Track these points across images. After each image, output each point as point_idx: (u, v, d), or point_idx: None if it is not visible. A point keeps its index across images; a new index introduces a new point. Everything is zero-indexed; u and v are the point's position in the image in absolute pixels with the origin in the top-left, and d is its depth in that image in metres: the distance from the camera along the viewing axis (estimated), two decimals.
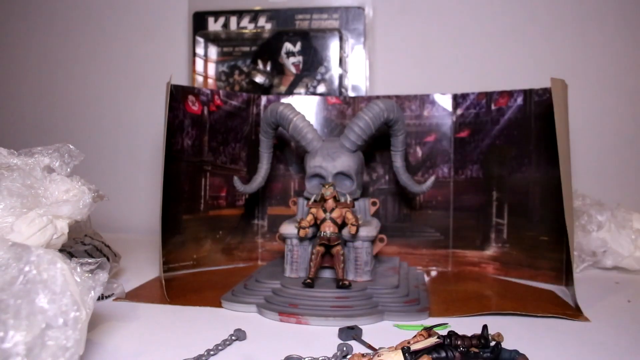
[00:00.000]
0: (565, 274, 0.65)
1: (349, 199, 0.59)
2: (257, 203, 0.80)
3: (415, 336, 0.39)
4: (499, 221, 0.73)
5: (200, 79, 0.96)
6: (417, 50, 0.98)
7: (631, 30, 0.93)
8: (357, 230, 0.57)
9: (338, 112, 0.78)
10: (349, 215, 0.57)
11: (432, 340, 0.37)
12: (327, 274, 0.60)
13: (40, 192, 0.45)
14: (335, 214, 0.57)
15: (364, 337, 0.45)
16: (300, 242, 0.61)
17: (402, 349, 0.36)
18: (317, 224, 0.58)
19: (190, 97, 0.72)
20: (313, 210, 0.58)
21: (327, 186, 0.58)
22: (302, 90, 0.94)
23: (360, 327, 0.47)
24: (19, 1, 1.12)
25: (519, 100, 0.71)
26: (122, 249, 0.71)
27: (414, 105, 0.77)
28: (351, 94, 0.94)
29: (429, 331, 0.39)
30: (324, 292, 0.55)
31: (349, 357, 0.39)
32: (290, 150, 0.79)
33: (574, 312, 0.53)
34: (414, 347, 0.36)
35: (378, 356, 0.37)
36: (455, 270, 0.74)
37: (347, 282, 0.56)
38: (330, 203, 0.57)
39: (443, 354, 0.37)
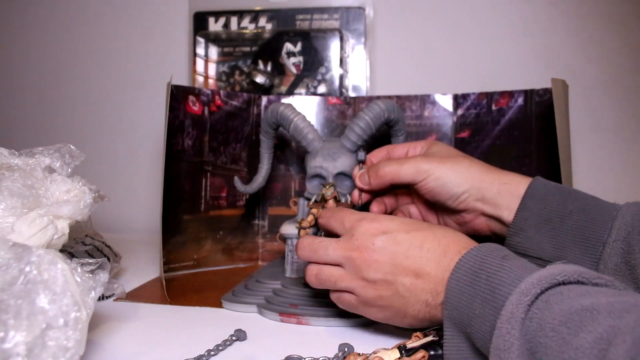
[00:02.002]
0: None
1: (349, 199, 0.59)
2: (258, 203, 0.80)
3: (411, 338, 0.39)
4: None
5: (200, 79, 0.97)
6: (417, 50, 0.98)
7: (631, 30, 0.92)
8: None
9: (338, 113, 0.78)
10: None
11: (428, 339, 0.38)
12: None
13: (41, 193, 0.45)
14: None
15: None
16: None
17: (399, 346, 0.37)
18: (317, 225, 0.58)
19: (191, 98, 0.72)
20: (314, 210, 0.58)
21: (327, 186, 0.58)
22: (303, 91, 0.94)
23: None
24: (19, 1, 1.12)
25: (520, 100, 0.71)
26: (123, 249, 0.71)
27: (414, 105, 0.77)
28: (352, 94, 0.94)
29: (424, 333, 0.39)
30: (324, 292, 0.55)
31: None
32: (290, 150, 0.79)
33: None
34: (410, 346, 0.37)
35: (375, 353, 0.37)
36: None
37: None
38: (330, 203, 0.57)
39: (440, 352, 0.37)
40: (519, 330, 0.28)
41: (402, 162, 0.51)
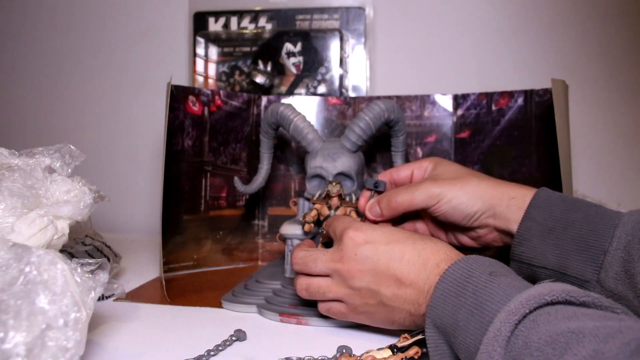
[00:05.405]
0: None
1: (354, 198, 0.59)
2: (258, 203, 0.80)
3: (399, 340, 0.40)
4: None
5: (200, 79, 0.97)
6: (417, 51, 0.98)
7: (631, 30, 0.92)
8: None
9: (338, 113, 0.78)
10: (354, 215, 0.57)
11: (418, 337, 0.39)
12: None
13: (41, 193, 0.45)
14: (339, 212, 0.57)
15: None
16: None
17: (390, 346, 0.38)
18: (319, 222, 0.58)
19: (191, 98, 0.72)
20: (317, 206, 0.58)
21: (334, 183, 0.58)
22: (303, 91, 0.94)
23: (384, 181, 0.55)
24: (19, 2, 1.12)
25: (520, 100, 0.71)
26: (123, 249, 0.71)
27: (414, 105, 0.77)
28: (352, 94, 0.94)
29: (412, 334, 0.40)
30: None
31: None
32: (290, 150, 0.79)
33: None
34: (401, 346, 0.38)
35: (367, 353, 0.38)
36: None
37: None
38: (335, 200, 0.57)
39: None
40: (504, 348, 0.28)
41: (413, 190, 0.51)
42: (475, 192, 0.49)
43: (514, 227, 0.47)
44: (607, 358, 0.24)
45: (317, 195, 0.59)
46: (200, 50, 0.97)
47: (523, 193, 0.48)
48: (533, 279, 0.46)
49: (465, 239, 0.53)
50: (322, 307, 0.47)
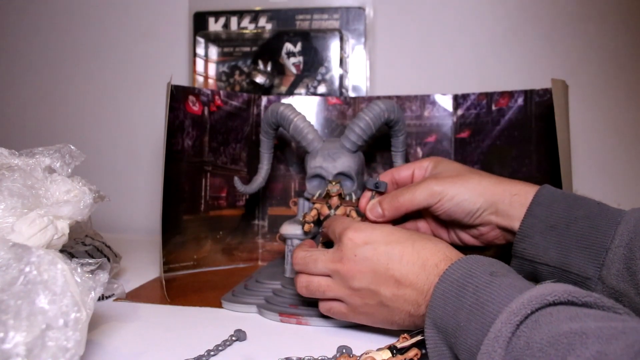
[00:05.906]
0: None
1: (354, 197, 0.59)
2: (258, 203, 0.80)
3: (398, 340, 0.40)
4: None
5: (200, 79, 0.97)
6: (417, 51, 0.98)
7: (631, 30, 0.92)
8: None
9: (338, 113, 0.78)
10: (354, 214, 0.57)
11: (417, 338, 0.39)
12: None
13: (41, 193, 0.45)
14: (339, 212, 0.57)
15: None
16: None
17: (389, 347, 0.38)
18: (319, 221, 0.58)
19: (191, 98, 0.72)
20: (317, 205, 0.58)
21: (333, 183, 0.58)
22: (303, 91, 0.94)
23: (385, 182, 0.54)
24: (19, 2, 1.12)
25: (520, 100, 0.71)
26: (123, 249, 0.71)
27: (414, 105, 0.77)
28: (352, 94, 0.94)
29: (411, 334, 0.40)
30: None
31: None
32: (290, 150, 0.79)
33: None
34: (400, 347, 0.38)
35: (366, 354, 0.38)
36: None
37: None
38: (335, 200, 0.57)
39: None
40: (504, 349, 0.28)
41: (414, 189, 0.51)
42: (477, 189, 0.49)
43: (516, 224, 0.47)
44: None
45: (316, 194, 0.59)
46: (200, 50, 0.97)
47: (525, 190, 0.48)
48: (534, 276, 0.46)
49: (467, 237, 0.53)
50: (322, 307, 0.47)
